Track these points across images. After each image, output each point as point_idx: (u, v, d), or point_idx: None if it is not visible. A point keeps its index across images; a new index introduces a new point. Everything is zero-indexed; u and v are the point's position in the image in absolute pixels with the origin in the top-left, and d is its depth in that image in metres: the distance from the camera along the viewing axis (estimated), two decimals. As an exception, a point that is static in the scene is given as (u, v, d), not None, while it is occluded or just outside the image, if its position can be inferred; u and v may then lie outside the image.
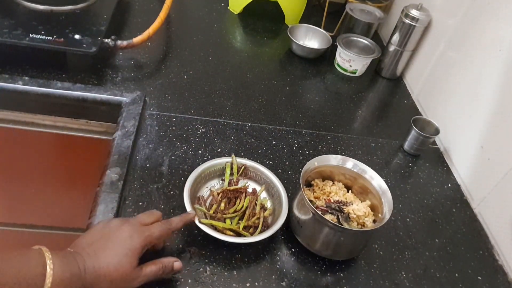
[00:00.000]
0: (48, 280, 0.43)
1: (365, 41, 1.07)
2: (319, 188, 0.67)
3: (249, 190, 0.67)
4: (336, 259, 0.63)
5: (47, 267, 0.43)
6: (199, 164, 0.67)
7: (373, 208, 0.65)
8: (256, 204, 0.65)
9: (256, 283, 0.58)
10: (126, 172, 0.67)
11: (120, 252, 0.49)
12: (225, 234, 0.59)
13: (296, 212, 0.63)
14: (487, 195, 0.74)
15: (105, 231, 0.51)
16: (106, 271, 0.48)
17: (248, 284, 0.58)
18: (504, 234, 0.70)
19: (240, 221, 0.62)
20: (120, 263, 0.49)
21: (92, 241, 0.50)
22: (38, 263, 0.44)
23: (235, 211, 0.63)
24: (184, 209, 0.59)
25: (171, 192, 0.67)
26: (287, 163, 0.77)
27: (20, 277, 0.42)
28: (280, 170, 0.75)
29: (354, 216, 0.63)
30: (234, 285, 0.57)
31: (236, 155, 0.70)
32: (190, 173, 0.65)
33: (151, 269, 0.52)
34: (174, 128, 0.78)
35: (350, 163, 0.66)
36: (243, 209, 0.63)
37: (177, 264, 0.55)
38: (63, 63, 0.83)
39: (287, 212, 0.62)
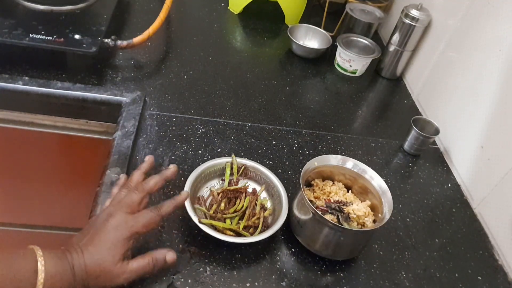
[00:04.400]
0: (41, 276, 0.43)
1: (365, 41, 1.07)
2: (319, 188, 0.67)
3: (249, 190, 0.67)
4: (336, 259, 0.63)
5: (39, 263, 0.44)
6: (199, 164, 0.67)
7: (373, 208, 0.65)
8: (256, 204, 0.65)
9: (256, 283, 0.58)
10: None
11: (103, 247, 0.48)
12: (225, 234, 0.59)
13: (296, 212, 0.63)
14: (487, 195, 0.74)
15: (93, 226, 0.50)
16: (90, 267, 0.47)
17: (248, 284, 0.58)
18: (504, 234, 0.70)
19: (240, 221, 0.62)
20: (102, 258, 0.48)
21: (82, 237, 0.50)
22: (30, 260, 0.44)
23: (235, 211, 0.63)
24: (184, 209, 0.59)
25: (171, 192, 0.67)
26: (287, 163, 0.77)
27: (12, 274, 0.42)
28: (280, 170, 0.75)
29: (354, 216, 0.63)
30: (234, 285, 0.57)
31: (236, 155, 0.70)
32: (190, 173, 0.65)
33: (138, 263, 0.50)
34: (174, 128, 0.78)
35: (350, 163, 0.66)
36: (243, 209, 0.63)
37: (170, 255, 0.52)
38: (63, 63, 0.83)
39: (287, 212, 0.62)
